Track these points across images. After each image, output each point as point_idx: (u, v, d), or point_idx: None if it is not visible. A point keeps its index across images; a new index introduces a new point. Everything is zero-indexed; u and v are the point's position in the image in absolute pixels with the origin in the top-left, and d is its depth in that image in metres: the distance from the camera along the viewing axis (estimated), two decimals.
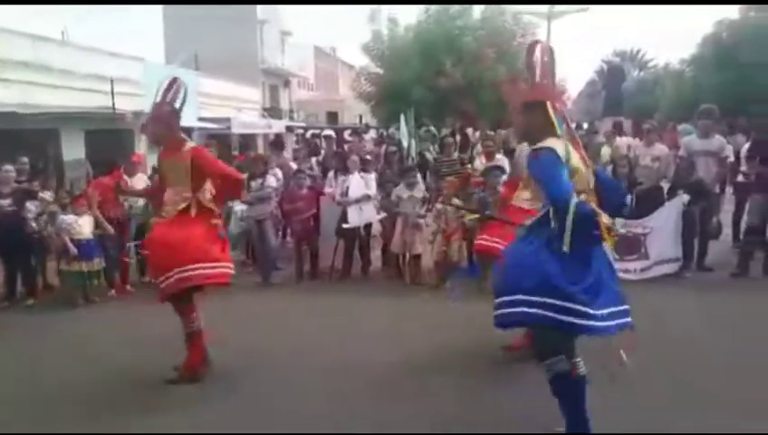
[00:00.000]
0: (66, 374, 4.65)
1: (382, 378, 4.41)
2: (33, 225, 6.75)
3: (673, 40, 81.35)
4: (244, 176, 4.73)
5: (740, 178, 8.04)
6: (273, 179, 7.72)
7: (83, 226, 6.77)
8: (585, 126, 13.32)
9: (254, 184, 7.45)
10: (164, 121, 4.36)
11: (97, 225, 6.91)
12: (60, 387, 4.42)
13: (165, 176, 4.49)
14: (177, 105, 4.41)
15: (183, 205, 4.30)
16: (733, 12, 29.93)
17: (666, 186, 7.67)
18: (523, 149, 4.71)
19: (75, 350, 5.27)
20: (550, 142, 3.07)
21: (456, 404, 3.98)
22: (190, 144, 4.41)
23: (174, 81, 4.48)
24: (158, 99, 4.41)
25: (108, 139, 15.04)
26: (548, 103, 3.16)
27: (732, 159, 7.87)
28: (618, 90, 20.74)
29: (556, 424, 3.32)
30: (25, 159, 7.61)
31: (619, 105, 19.75)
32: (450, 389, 4.20)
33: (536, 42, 3.36)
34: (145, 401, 4.10)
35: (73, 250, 6.62)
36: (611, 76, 22.81)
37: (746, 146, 8.26)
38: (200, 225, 4.29)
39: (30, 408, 4.10)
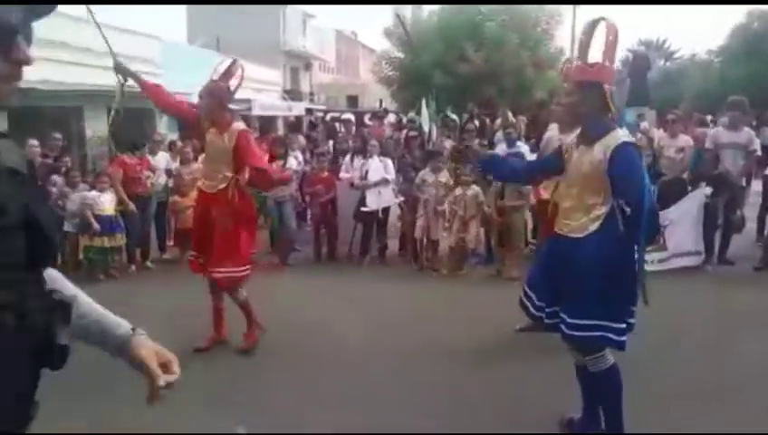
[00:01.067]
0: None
1: (397, 361, 4.42)
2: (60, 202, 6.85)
3: (700, 31, 79.80)
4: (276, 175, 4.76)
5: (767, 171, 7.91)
6: (294, 162, 7.74)
7: (105, 202, 6.85)
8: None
9: (274, 166, 7.45)
10: (217, 97, 4.38)
11: (120, 201, 6.99)
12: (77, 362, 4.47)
13: (207, 149, 4.58)
14: (232, 86, 4.49)
15: (223, 185, 4.36)
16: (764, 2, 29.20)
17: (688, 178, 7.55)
18: (555, 133, 4.52)
19: None
20: (623, 135, 2.89)
21: (469, 389, 3.98)
22: (238, 126, 4.42)
23: (234, 62, 4.57)
24: (216, 76, 4.49)
25: (130, 117, 15.18)
26: (606, 87, 2.94)
27: (759, 152, 7.72)
28: (643, 79, 20.27)
29: (572, 410, 3.32)
30: (58, 135, 7.73)
31: (644, 95, 19.37)
32: (464, 373, 4.20)
33: (600, 18, 3.03)
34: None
35: (96, 226, 6.70)
36: (636, 65, 22.38)
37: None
38: (241, 219, 4.40)
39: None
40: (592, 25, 3.01)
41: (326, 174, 7.71)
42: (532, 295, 3.19)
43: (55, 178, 6.96)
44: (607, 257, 2.84)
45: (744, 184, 7.64)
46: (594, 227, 2.91)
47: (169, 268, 7.45)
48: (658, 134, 9.49)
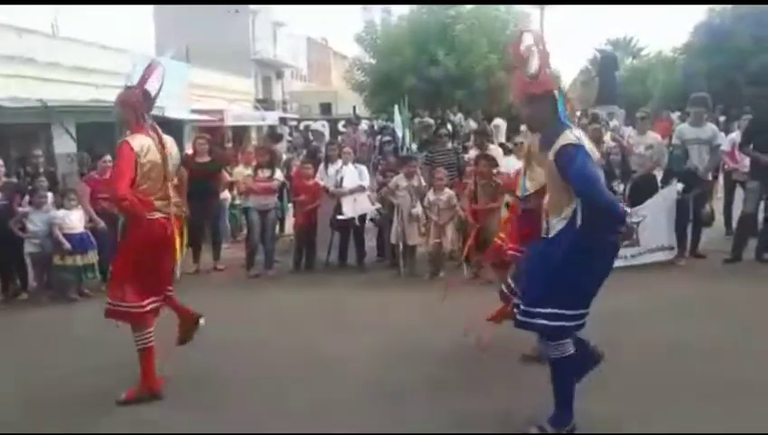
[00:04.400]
0: (61, 372, 4.63)
1: (377, 370, 4.42)
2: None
3: (665, 28, 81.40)
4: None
5: (729, 165, 8.09)
6: (280, 172, 7.73)
7: (74, 220, 6.74)
8: (578, 114, 13.30)
9: (261, 174, 7.45)
10: (129, 105, 3.95)
11: (89, 219, 6.88)
12: (56, 385, 4.39)
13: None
14: (153, 89, 4.00)
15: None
16: None
17: (659, 174, 7.68)
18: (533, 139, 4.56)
19: (70, 344, 5.24)
20: (571, 136, 3.07)
21: (453, 390, 3.99)
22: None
23: (149, 65, 4.10)
24: (130, 83, 4.03)
25: (99, 132, 14.96)
26: (555, 93, 3.19)
27: (725, 146, 7.90)
28: (611, 78, 20.69)
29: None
30: (38, 152, 7.62)
31: (613, 93, 19.75)
32: (446, 375, 4.22)
33: (524, 31, 3.38)
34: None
35: (66, 244, 6.59)
36: (604, 64, 22.80)
37: (734, 134, 8.30)
38: None
39: (26, 406, 4.07)
40: (519, 38, 3.29)
41: (311, 182, 7.68)
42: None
43: (22, 198, 6.83)
44: (566, 250, 3.08)
45: (710, 178, 7.80)
46: (561, 226, 3.14)
47: None
48: (628, 132, 9.66)
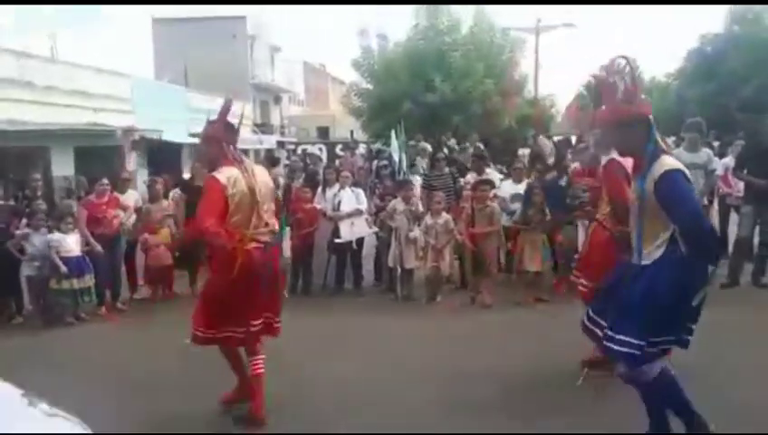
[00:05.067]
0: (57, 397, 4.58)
1: (374, 395, 4.39)
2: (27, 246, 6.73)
3: (658, 54, 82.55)
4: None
5: (723, 190, 8.15)
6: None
7: (71, 243, 6.73)
8: (573, 139, 13.44)
9: None
10: (214, 139, 4.03)
11: (86, 242, 6.88)
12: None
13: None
14: (232, 121, 4.11)
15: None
16: (717, 26, 30.43)
17: None
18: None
19: (65, 370, 5.20)
20: (674, 162, 3.05)
21: (454, 416, 3.96)
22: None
23: (226, 101, 4.24)
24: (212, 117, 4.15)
25: (97, 156, 15.02)
26: (650, 117, 3.16)
27: (719, 171, 7.96)
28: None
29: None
30: (38, 176, 7.62)
31: None
32: (443, 402, 4.18)
33: (618, 57, 3.28)
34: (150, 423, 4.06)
35: (63, 268, 6.57)
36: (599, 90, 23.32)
37: (727, 159, 8.38)
38: None
39: None
40: (609, 65, 3.27)
41: (309, 205, 7.70)
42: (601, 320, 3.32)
43: (19, 221, 6.84)
44: (666, 278, 3.03)
45: (706, 203, 7.83)
46: (659, 254, 3.08)
47: (141, 308, 7.33)
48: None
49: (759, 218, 6.97)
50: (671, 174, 2.99)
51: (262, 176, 4.06)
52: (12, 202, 7.36)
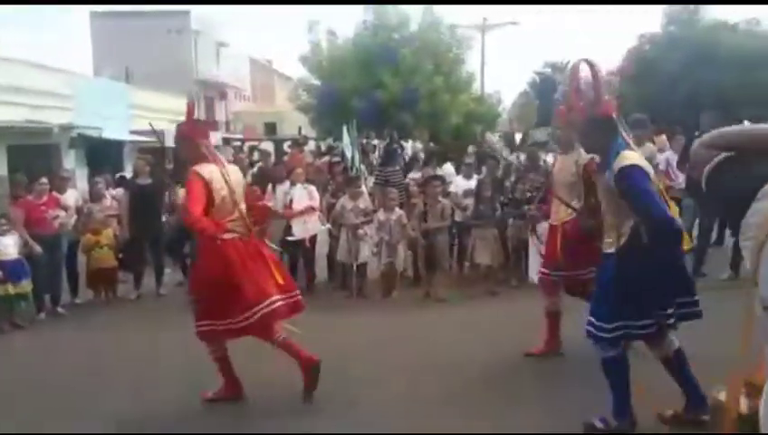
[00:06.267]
0: None
1: (330, 393, 4.31)
2: None
3: (599, 53, 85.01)
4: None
5: (665, 183, 8.41)
6: None
7: (8, 246, 6.38)
8: (518, 136, 13.68)
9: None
10: (186, 139, 4.20)
11: (24, 244, 6.53)
12: None
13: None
14: (200, 120, 4.33)
15: None
16: (654, 26, 31.59)
17: None
18: (561, 160, 4.70)
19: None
20: (634, 157, 3.22)
21: (402, 422, 3.90)
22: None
23: (189, 102, 4.45)
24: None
25: (33, 154, 14.34)
26: (614, 117, 3.36)
27: (662, 166, 8.22)
28: (549, 100, 21.52)
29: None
30: None
31: (551, 115, 20.48)
32: (396, 405, 4.12)
33: (581, 60, 3.49)
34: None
35: None
36: (543, 87, 23.67)
37: (668, 153, 8.66)
38: None
39: None
40: (576, 68, 3.56)
41: (260, 203, 7.53)
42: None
43: None
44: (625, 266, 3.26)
45: None
46: (621, 242, 3.29)
47: (83, 313, 7.03)
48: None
49: (699, 211, 7.23)
50: (627, 169, 3.16)
51: (235, 173, 4.19)
52: None
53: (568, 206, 4.44)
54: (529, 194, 7.40)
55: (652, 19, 58.64)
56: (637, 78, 26.27)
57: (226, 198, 3.96)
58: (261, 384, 4.41)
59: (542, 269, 4.84)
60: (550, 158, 9.05)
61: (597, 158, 3.84)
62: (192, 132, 4.16)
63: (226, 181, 3.98)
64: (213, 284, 3.94)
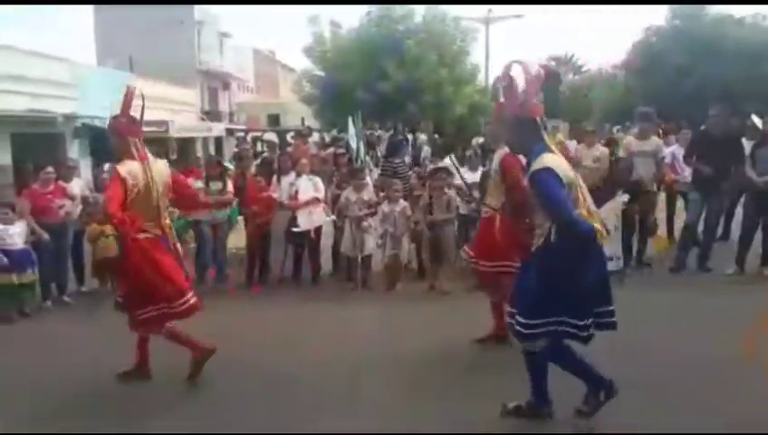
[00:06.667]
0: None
1: (335, 385, 4.34)
2: None
3: (605, 46, 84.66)
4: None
5: (669, 177, 8.40)
6: (232, 184, 7.58)
7: (15, 235, 6.38)
8: None
9: (212, 186, 7.27)
10: (119, 134, 4.32)
11: (32, 232, 6.55)
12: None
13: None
14: (136, 114, 4.37)
15: None
16: (659, 19, 31.39)
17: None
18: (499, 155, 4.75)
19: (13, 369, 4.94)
20: (549, 161, 3.26)
21: (409, 413, 3.91)
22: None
23: (127, 91, 4.45)
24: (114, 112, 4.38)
25: (37, 143, 14.35)
26: (539, 120, 3.40)
27: (668, 159, 8.20)
28: (555, 93, 21.45)
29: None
30: None
31: (556, 108, 20.46)
32: (401, 397, 4.13)
33: (513, 61, 3.50)
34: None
35: (4, 259, 6.23)
36: (548, 80, 23.65)
37: (674, 147, 8.64)
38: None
39: None
40: (507, 68, 3.48)
41: (264, 194, 7.54)
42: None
43: None
44: (537, 265, 3.40)
45: (655, 190, 8.06)
46: (539, 242, 3.38)
47: (89, 301, 7.05)
48: (573, 145, 9.91)
49: (706, 205, 7.21)
50: (536, 174, 3.26)
51: (160, 173, 4.32)
52: None
53: (481, 203, 4.58)
54: None
55: (658, 13, 58.34)
56: (642, 71, 26.20)
57: (141, 199, 4.14)
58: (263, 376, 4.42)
59: (481, 261, 4.86)
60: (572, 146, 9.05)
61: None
62: (125, 130, 4.27)
63: (149, 178, 4.17)
64: (142, 273, 4.17)
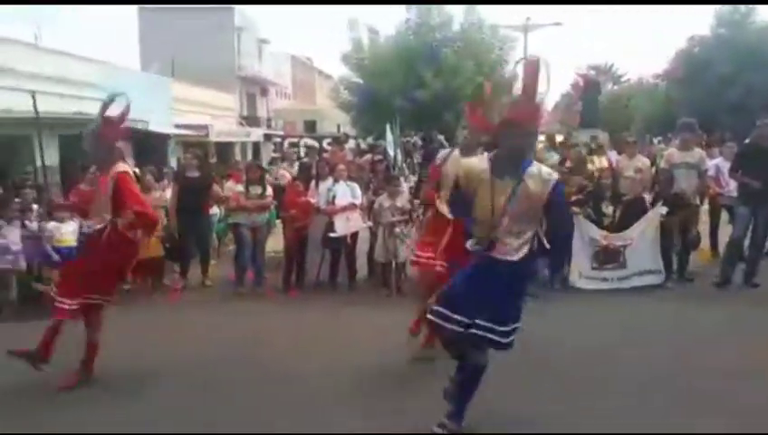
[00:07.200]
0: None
1: (365, 390, 4.36)
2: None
3: (645, 56, 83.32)
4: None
5: (714, 190, 8.20)
6: (271, 189, 7.69)
7: (67, 233, 6.59)
8: (560, 138, 13.46)
9: (252, 190, 7.40)
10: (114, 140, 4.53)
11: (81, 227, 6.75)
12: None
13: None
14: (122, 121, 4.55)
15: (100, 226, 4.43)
16: (704, 28, 30.76)
17: (648, 197, 7.77)
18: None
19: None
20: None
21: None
22: (117, 168, 4.40)
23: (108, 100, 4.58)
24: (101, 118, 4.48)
25: (81, 145, 14.75)
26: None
27: (711, 172, 8.01)
28: (594, 103, 21.18)
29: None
30: (30, 169, 7.47)
31: (595, 117, 20.20)
32: (433, 402, 4.11)
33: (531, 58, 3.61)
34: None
35: (55, 256, 6.43)
36: (587, 89, 23.35)
37: (718, 160, 8.43)
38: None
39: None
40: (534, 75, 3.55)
41: (303, 199, 7.62)
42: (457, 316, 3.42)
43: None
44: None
45: (698, 203, 7.88)
46: (525, 250, 3.39)
47: (129, 299, 7.20)
48: (613, 156, 9.76)
49: (754, 219, 7.01)
50: (559, 182, 3.44)
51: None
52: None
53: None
54: (574, 197, 7.33)
55: (702, 21, 57.16)
56: (685, 81, 25.70)
57: None
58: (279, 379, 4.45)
59: (442, 263, 4.71)
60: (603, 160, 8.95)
61: None
62: (116, 135, 4.49)
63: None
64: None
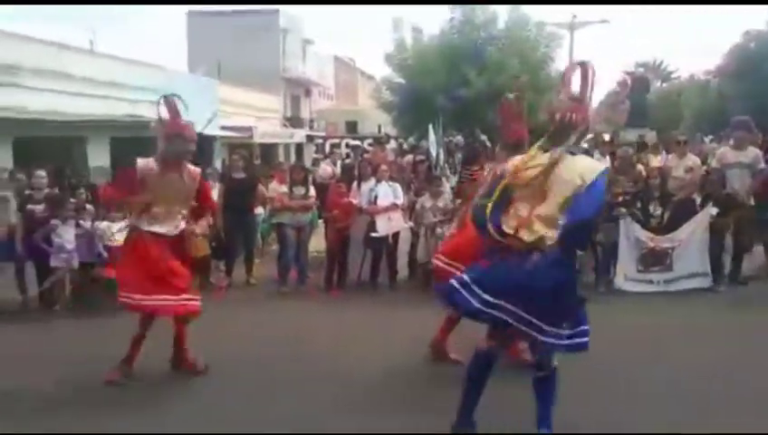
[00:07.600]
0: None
1: (401, 390, 4.36)
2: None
3: (693, 52, 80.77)
4: None
5: None
6: (314, 189, 7.79)
7: (116, 233, 6.79)
8: (607, 137, 13.12)
9: (296, 191, 7.50)
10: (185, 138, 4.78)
11: None
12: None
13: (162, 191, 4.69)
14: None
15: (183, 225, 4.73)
16: (759, 23, 29.59)
17: (698, 197, 7.54)
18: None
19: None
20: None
21: (497, 404, 3.87)
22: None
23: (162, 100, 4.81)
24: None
25: (133, 146, 15.20)
26: None
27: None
28: (642, 100, 20.65)
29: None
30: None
31: (643, 115, 19.66)
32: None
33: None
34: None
35: (105, 255, 6.65)
36: (635, 87, 22.77)
37: None
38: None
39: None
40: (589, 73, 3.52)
41: (345, 200, 7.69)
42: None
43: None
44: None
45: (752, 203, 7.60)
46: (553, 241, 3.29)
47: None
48: (663, 155, 9.51)
49: None
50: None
51: None
52: (56, 190, 7.45)
53: None
54: (620, 198, 7.17)
55: (755, 17, 55.07)
56: (738, 77, 24.79)
57: None
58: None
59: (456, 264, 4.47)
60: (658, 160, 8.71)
61: None
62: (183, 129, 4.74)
63: None
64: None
